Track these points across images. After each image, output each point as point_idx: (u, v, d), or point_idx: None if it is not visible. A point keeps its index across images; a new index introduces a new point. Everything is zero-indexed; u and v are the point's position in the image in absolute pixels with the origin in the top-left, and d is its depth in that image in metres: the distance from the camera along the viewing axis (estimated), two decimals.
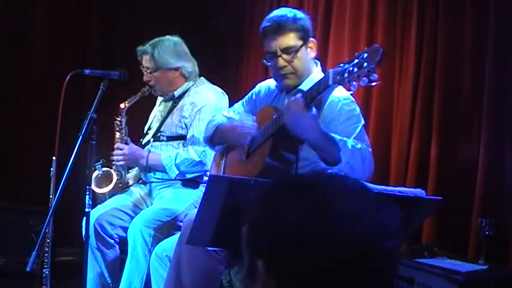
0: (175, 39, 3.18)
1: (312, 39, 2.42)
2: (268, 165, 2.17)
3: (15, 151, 4.14)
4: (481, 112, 2.78)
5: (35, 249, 2.23)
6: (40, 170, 3.16)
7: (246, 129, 2.40)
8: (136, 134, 3.29)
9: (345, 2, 3.54)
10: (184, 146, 3.10)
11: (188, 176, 3.06)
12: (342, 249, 0.88)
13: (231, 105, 2.98)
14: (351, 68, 1.83)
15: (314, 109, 2.09)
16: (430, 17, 3.03)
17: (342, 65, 1.88)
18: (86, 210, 2.45)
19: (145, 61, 3.15)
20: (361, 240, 0.88)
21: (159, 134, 3.18)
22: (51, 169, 2.74)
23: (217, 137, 2.60)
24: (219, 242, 2.01)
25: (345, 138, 2.12)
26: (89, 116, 2.42)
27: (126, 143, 3.15)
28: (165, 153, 3.08)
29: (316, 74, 2.40)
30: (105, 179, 3.19)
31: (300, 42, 2.36)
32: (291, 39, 2.35)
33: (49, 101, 3.66)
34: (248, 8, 4.43)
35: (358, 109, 2.32)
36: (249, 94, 2.69)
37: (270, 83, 2.58)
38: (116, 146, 3.16)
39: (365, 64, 1.79)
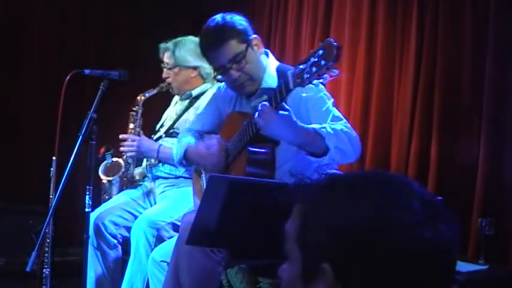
0: (197, 40, 3.22)
1: (253, 36, 2.34)
2: (249, 174, 2.16)
3: (15, 151, 4.13)
4: (481, 112, 2.78)
5: (35, 249, 2.23)
6: (40, 170, 3.16)
7: (211, 153, 2.37)
8: (145, 131, 3.32)
9: (345, 2, 3.54)
10: None
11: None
12: (412, 255, 0.86)
13: None
14: (309, 69, 1.79)
15: (284, 106, 2.03)
16: (430, 17, 3.03)
17: (299, 66, 1.84)
18: (86, 210, 2.45)
19: (166, 57, 3.21)
20: (436, 247, 0.87)
21: (171, 130, 3.21)
22: (51, 169, 2.74)
23: (187, 160, 2.58)
24: (219, 242, 2.01)
25: (323, 125, 2.07)
26: (89, 116, 2.42)
27: (138, 135, 3.19)
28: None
29: (272, 67, 2.37)
30: (114, 168, 3.23)
31: (244, 46, 2.29)
32: (233, 47, 2.27)
33: (49, 101, 3.66)
34: (249, 7, 4.43)
35: (320, 89, 2.22)
36: (212, 97, 2.70)
37: None
38: (127, 136, 3.18)
39: (322, 62, 1.74)
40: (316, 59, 1.77)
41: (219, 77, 2.36)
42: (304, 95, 2.20)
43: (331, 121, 2.14)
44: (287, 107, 2.03)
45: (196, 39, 3.19)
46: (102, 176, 3.20)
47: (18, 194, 3.96)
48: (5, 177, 4.01)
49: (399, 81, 3.17)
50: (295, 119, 2.03)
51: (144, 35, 4.44)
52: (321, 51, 1.76)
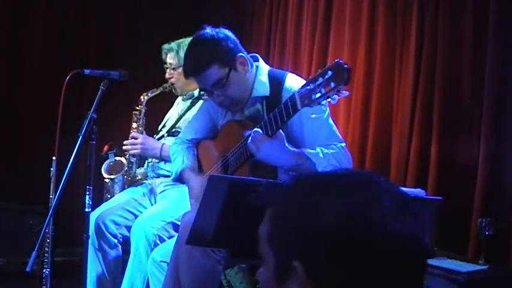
0: None
1: (238, 55, 2.27)
2: None
3: (15, 151, 4.13)
4: (481, 112, 2.78)
5: (35, 249, 2.23)
6: (40, 170, 3.16)
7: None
8: (148, 131, 3.33)
9: (345, 2, 3.54)
10: None
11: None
12: (386, 249, 0.87)
13: None
14: (318, 89, 1.77)
15: (280, 132, 2.05)
16: (430, 17, 3.03)
17: (307, 86, 1.82)
18: (86, 210, 2.45)
19: (170, 58, 3.22)
20: (405, 239, 0.88)
21: (174, 129, 3.22)
22: (51, 169, 2.74)
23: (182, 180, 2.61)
24: (219, 242, 2.01)
25: (316, 150, 2.10)
26: (89, 116, 2.42)
27: (141, 134, 3.21)
28: None
29: (263, 74, 2.34)
30: (116, 167, 3.24)
31: (226, 69, 2.24)
32: (215, 73, 2.24)
33: (49, 101, 3.65)
34: (248, 7, 4.43)
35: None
36: (203, 103, 2.72)
37: None
38: (131, 135, 3.21)
39: (332, 84, 1.72)
40: (324, 81, 1.75)
41: (205, 97, 2.38)
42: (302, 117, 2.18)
43: (325, 140, 2.16)
44: (281, 132, 2.05)
45: None
46: (104, 175, 3.21)
47: (18, 194, 3.95)
48: (5, 177, 4.01)
49: (399, 81, 3.17)
50: (286, 144, 2.06)
51: (144, 35, 4.44)
52: (329, 72, 1.74)
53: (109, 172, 3.23)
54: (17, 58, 4.20)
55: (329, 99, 1.76)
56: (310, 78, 1.84)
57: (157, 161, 3.21)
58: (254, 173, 2.18)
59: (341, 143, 2.20)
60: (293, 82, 2.27)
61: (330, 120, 2.26)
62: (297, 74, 2.40)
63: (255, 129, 2.08)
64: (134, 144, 3.18)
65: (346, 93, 1.75)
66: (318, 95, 1.78)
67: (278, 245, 0.94)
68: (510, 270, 2.58)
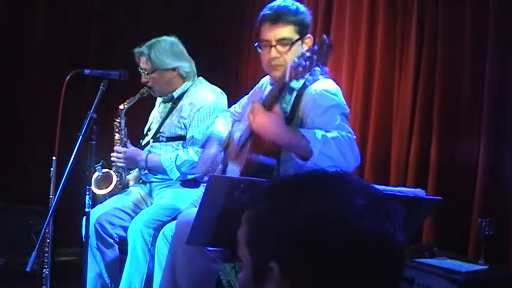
0: (172, 39, 3.18)
1: (309, 35, 2.38)
2: (253, 160, 2.18)
3: (15, 151, 4.14)
4: (481, 112, 2.78)
5: (35, 249, 2.23)
6: (40, 170, 3.16)
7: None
8: (136, 136, 3.29)
9: (345, 2, 3.54)
10: (183, 147, 3.10)
11: (189, 176, 3.06)
12: (358, 247, 0.88)
13: (230, 105, 2.99)
14: (303, 62, 1.86)
15: (277, 110, 2.09)
16: (430, 17, 3.03)
17: (296, 59, 1.91)
18: (86, 210, 2.45)
19: (143, 63, 3.14)
20: (377, 236, 0.90)
21: (158, 134, 3.18)
22: (51, 169, 2.74)
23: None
24: (218, 242, 2.01)
25: (315, 130, 2.10)
26: (89, 116, 2.42)
27: (125, 145, 3.14)
28: (164, 155, 3.08)
29: None
30: (105, 180, 3.18)
31: (297, 36, 2.32)
32: (288, 31, 2.31)
33: (49, 101, 3.66)
34: (249, 7, 4.43)
35: (337, 98, 2.27)
36: (251, 92, 2.71)
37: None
38: (114, 148, 3.15)
39: (315, 57, 1.83)
40: (309, 54, 1.85)
41: (259, 50, 2.37)
42: (318, 99, 2.22)
43: (332, 128, 2.15)
44: (278, 110, 2.09)
45: (171, 39, 3.16)
46: (95, 191, 3.13)
47: (18, 194, 3.96)
48: (5, 177, 4.01)
49: (399, 81, 3.17)
50: (283, 123, 2.09)
51: (144, 35, 4.43)
52: (316, 47, 1.84)
53: (99, 187, 3.17)
54: (17, 58, 4.20)
55: (311, 73, 1.86)
56: (302, 52, 1.93)
57: (146, 172, 3.18)
58: (256, 149, 2.19)
59: (350, 134, 2.19)
60: (315, 84, 2.28)
61: (344, 118, 2.26)
62: None
63: (257, 104, 2.12)
64: (118, 158, 3.12)
65: (325, 68, 1.89)
66: (303, 68, 1.86)
67: (254, 246, 0.95)
68: (510, 270, 2.58)
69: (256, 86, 2.68)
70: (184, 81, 3.19)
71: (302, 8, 2.38)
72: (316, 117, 2.20)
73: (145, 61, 3.12)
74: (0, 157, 4.05)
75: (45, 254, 2.71)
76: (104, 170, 3.17)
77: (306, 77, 1.88)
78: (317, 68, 2.01)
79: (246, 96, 2.74)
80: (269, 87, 2.48)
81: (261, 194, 0.97)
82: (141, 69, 3.16)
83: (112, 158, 3.15)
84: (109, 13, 4.52)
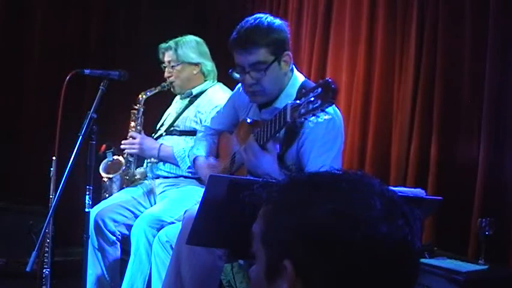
0: (198, 38, 3.31)
1: (287, 52, 2.24)
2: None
3: (15, 151, 4.14)
4: (481, 112, 2.78)
5: (35, 249, 2.23)
6: (40, 170, 3.16)
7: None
8: (148, 130, 3.34)
9: (345, 2, 3.54)
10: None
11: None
12: (374, 252, 0.87)
13: None
14: (306, 105, 1.81)
15: (272, 148, 2.07)
16: (430, 17, 3.03)
17: (298, 101, 1.86)
18: (86, 210, 2.45)
19: (168, 56, 3.23)
20: (395, 242, 0.88)
21: (172, 128, 3.23)
22: (51, 169, 2.74)
23: (195, 169, 2.65)
24: (218, 242, 2.01)
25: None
26: (89, 116, 2.42)
27: (139, 133, 3.21)
28: (177, 146, 3.11)
29: (294, 86, 2.30)
30: (114, 166, 3.23)
31: (272, 58, 2.19)
32: (261, 55, 2.18)
33: (49, 101, 3.66)
34: (249, 7, 4.43)
35: (333, 132, 2.18)
36: (230, 96, 2.70)
37: None
38: (129, 134, 3.21)
39: (318, 102, 1.77)
40: (313, 98, 1.79)
41: (235, 74, 2.32)
42: (317, 132, 2.15)
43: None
44: (275, 146, 2.08)
45: (197, 38, 3.27)
46: (102, 174, 3.21)
47: (18, 194, 3.96)
48: (5, 177, 4.01)
49: (399, 81, 3.17)
50: (276, 165, 2.07)
51: (145, 35, 4.44)
52: (319, 90, 1.78)
53: (107, 171, 3.23)
54: (17, 58, 4.20)
55: (315, 116, 1.79)
56: (303, 92, 1.87)
57: (156, 161, 3.20)
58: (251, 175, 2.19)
59: None
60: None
61: (339, 154, 2.22)
62: None
63: (250, 137, 2.10)
64: (132, 144, 3.18)
65: (332, 112, 1.86)
66: (305, 110, 1.81)
67: (269, 243, 0.94)
68: (510, 270, 2.58)
69: (232, 95, 2.66)
70: (205, 80, 3.25)
71: (277, 22, 2.23)
72: (311, 151, 2.16)
73: (171, 54, 3.22)
74: (0, 157, 4.05)
75: (45, 254, 2.71)
76: (114, 157, 3.22)
77: (311, 119, 1.81)
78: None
79: (223, 107, 2.75)
80: (251, 104, 2.43)
81: (279, 190, 0.96)
82: (164, 64, 3.25)
83: (124, 146, 3.20)
84: (109, 13, 4.52)
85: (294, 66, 2.36)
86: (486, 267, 2.46)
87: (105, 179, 3.24)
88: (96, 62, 4.08)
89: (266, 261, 0.94)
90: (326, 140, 2.17)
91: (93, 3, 4.47)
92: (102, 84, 2.58)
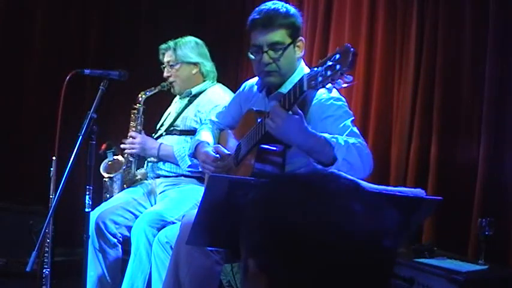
0: (198, 40, 3.32)
1: (301, 37, 2.34)
2: (258, 170, 2.15)
3: (15, 151, 4.13)
4: (481, 112, 2.78)
5: (35, 249, 2.23)
6: (40, 170, 3.16)
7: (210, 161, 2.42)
8: (148, 130, 3.34)
9: (345, 2, 3.54)
10: None
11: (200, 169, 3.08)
12: (341, 249, 0.87)
13: None
14: (323, 72, 1.76)
15: (297, 110, 2.00)
16: (430, 17, 3.03)
17: (315, 68, 1.81)
18: (86, 210, 2.45)
19: (167, 56, 3.25)
20: (361, 240, 0.88)
21: (172, 128, 3.23)
22: (51, 169, 2.74)
23: (195, 155, 2.61)
24: (218, 242, 2.01)
25: (336, 136, 2.04)
26: (89, 116, 2.42)
27: (140, 133, 3.23)
28: (177, 145, 3.11)
29: (296, 75, 2.31)
30: (115, 166, 3.24)
31: (289, 40, 2.28)
32: (280, 35, 2.26)
33: (49, 101, 3.66)
34: (249, 7, 4.43)
35: (344, 105, 2.24)
36: (235, 94, 2.70)
37: (254, 81, 2.54)
38: (129, 134, 3.22)
39: (337, 66, 1.72)
40: (331, 63, 1.74)
41: (251, 56, 2.32)
42: (329, 107, 2.18)
43: (347, 135, 2.10)
44: (299, 110, 1.99)
45: (197, 39, 3.29)
46: (103, 174, 3.22)
47: (18, 194, 3.96)
48: (5, 177, 4.01)
49: (399, 81, 3.17)
50: (306, 124, 1.99)
51: (145, 35, 4.44)
52: (337, 56, 1.73)
53: (108, 171, 3.24)
54: (17, 58, 4.20)
55: (334, 84, 1.74)
56: (320, 61, 1.83)
57: (156, 160, 3.21)
58: (260, 161, 2.16)
59: (363, 141, 2.14)
60: (321, 91, 2.16)
61: (355, 126, 2.22)
62: None
63: (274, 106, 2.02)
64: (132, 144, 3.19)
65: (350, 77, 1.73)
66: (323, 77, 1.76)
67: (242, 240, 0.96)
68: (510, 270, 2.58)
69: (237, 92, 2.67)
70: (204, 80, 3.27)
71: (292, 9, 2.33)
72: (328, 125, 2.15)
73: (171, 54, 3.24)
74: (0, 157, 4.05)
75: (45, 254, 2.71)
76: (115, 157, 3.23)
77: (328, 86, 1.77)
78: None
79: (227, 104, 2.74)
80: (256, 94, 2.45)
81: (256, 191, 0.97)
82: (163, 64, 3.27)
83: (124, 146, 3.22)
84: (109, 12, 4.52)
85: (302, 58, 2.42)
86: (486, 267, 2.46)
87: (106, 179, 3.24)
88: (96, 62, 4.09)
89: (243, 258, 0.96)
90: (338, 115, 2.17)
91: (93, 3, 4.47)
92: (102, 84, 2.58)
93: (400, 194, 1.76)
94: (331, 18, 3.64)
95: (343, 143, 2.01)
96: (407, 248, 2.68)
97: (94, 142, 2.44)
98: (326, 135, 2.04)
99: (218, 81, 3.35)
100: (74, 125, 2.49)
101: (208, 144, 2.57)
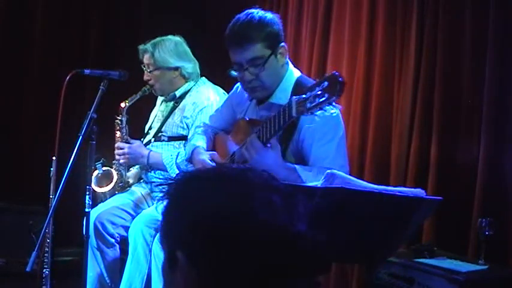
0: (177, 39, 3.20)
1: (282, 44, 2.25)
2: None
3: (15, 151, 4.13)
4: (481, 112, 2.78)
5: (35, 249, 2.23)
6: (40, 170, 3.16)
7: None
8: (136, 134, 3.30)
9: (345, 2, 3.54)
10: (185, 147, 3.10)
11: None
12: (260, 236, 0.92)
13: None
14: (312, 99, 1.78)
15: (275, 143, 2.05)
16: (430, 17, 3.02)
17: (304, 95, 1.83)
18: (86, 210, 2.45)
19: (146, 59, 3.16)
20: (277, 226, 0.93)
21: (160, 134, 3.18)
22: (51, 169, 2.74)
23: (191, 161, 2.60)
24: None
25: (310, 172, 2.07)
26: (89, 116, 2.42)
27: (127, 142, 3.15)
28: (166, 153, 3.08)
29: (289, 80, 2.30)
30: (106, 178, 3.20)
31: (268, 52, 2.20)
32: (257, 50, 2.19)
33: (49, 101, 3.66)
34: (249, 7, 4.42)
35: (333, 122, 2.18)
36: (228, 96, 2.69)
37: None
38: (116, 145, 3.16)
39: (326, 95, 1.74)
40: (320, 92, 1.76)
41: (233, 72, 2.29)
42: (318, 123, 2.12)
43: (328, 164, 2.11)
44: (277, 143, 2.06)
45: (176, 38, 3.17)
46: (95, 188, 3.14)
47: (18, 194, 3.95)
48: (5, 177, 4.01)
49: (399, 81, 3.17)
50: (280, 157, 2.06)
51: (145, 35, 4.43)
52: (326, 83, 1.76)
53: (99, 184, 3.18)
54: (17, 58, 4.20)
55: (322, 110, 1.77)
56: (309, 86, 1.85)
57: (146, 169, 3.17)
58: None
59: (343, 167, 2.13)
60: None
61: (342, 143, 2.22)
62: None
63: (252, 135, 2.08)
64: (122, 155, 3.13)
65: (338, 106, 1.78)
66: (312, 104, 1.79)
67: (164, 234, 1.00)
68: (510, 270, 2.58)
69: (230, 93, 2.66)
70: (186, 82, 3.19)
71: (268, 16, 2.24)
72: (313, 143, 2.16)
73: (149, 58, 3.14)
74: (0, 157, 4.05)
75: (45, 254, 2.71)
76: (104, 168, 3.18)
77: (316, 112, 1.79)
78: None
79: (221, 105, 2.73)
80: (249, 102, 2.43)
81: (174, 186, 1.02)
82: (144, 65, 3.18)
83: (117, 157, 3.16)
84: (109, 13, 4.52)
85: (289, 61, 2.36)
86: (486, 267, 2.46)
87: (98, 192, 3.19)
88: (96, 62, 4.08)
89: (165, 252, 1.00)
90: (326, 130, 2.17)
91: (93, 3, 4.47)
92: (102, 84, 2.58)
93: (400, 194, 1.76)
94: (331, 18, 3.64)
95: (313, 177, 2.02)
96: (407, 248, 2.68)
97: (94, 142, 2.44)
98: (300, 167, 2.09)
99: (218, 83, 3.30)
100: (74, 125, 2.49)
101: (205, 149, 2.55)
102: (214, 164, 2.43)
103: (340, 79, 1.73)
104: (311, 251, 0.95)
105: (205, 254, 0.93)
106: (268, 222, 0.92)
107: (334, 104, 1.75)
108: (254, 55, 2.20)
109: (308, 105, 1.80)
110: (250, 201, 0.94)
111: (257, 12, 2.24)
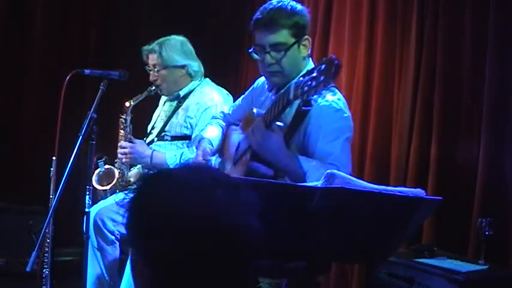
0: (182, 38, 3.23)
1: (307, 36, 2.27)
2: (252, 168, 2.16)
3: (15, 151, 4.14)
4: (481, 112, 2.78)
5: (35, 249, 2.23)
6: (40, 170, 3.16)
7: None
8: (138, 134, 3.30)
9: (345, 2, 3.54)
10: (188, 146, 3.10)
11: None
12: (201, 232, 0.94)
13: None
14: (309, 82, 1.79)
15: (278, 128, 2.05)
16: (430, 17, 3.03)
17: (301, 78, 1.84)
18: (86, 210, 2.45)
19: (152, 59, 3.17)
20: (217, 221, 0.95)
21: (163, 133, 3.20)
22: (51, 169, 2.74)
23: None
24: None
25: (313, 163, 2.06)
26: (89, 116, 2.42)
27: (130, 141, 3.16)
28: (169, 152, 3.09)
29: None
30: (107, 176, 3.21)
31: (292, 40, 2.22)
32: (282, 36, 2.21)
33: (49, 101, 3.66)
34: (249, 7, 4.43)
35: (342, 120, 2.21)
36: (249, 89, 2.69)
37: None
38: (119, 144, 3.17)
39: (322, 78, 1.74)
40: (316, 74, 1.77)
41: (254, 55, 2.29)
42: (326, 117, 2.15)
43: (332, 160, 2.10)
44: (280, 129, 2.05)
45: (181, 38, 3.18)
46: (97, 186, 3.15)
47: (18, 194, 3.96)
48: (5, 177, 4.01)
49: (399, 81, 3.17)
50: (283, 145, 2.06)
51: (145, 35, 4.43)
52: (323, 66, 1.76)
53: (100, 182, 3.18)
54: (17, 58, 4.20)
55: (319, 94, 1.79)
56: (308, 70, 1.86)
57: (149, 168, 3.17)
58: (256, 158, 2.16)
59: (346, 167, 2.11)
60: (326, 102, 2.18)
61: (348, 144, 2.22)
62: None
63: (258, 119, 2.08)
64: (124, 154, 3.13)
65: (336, 91, 1.84)
66: (308, 87, 1.79)
67: (127, 234, 1.04)
68: (510, 270, 2.58)
69: (252, 87, 2.66)
70: (191, 81, 3.21)
71: (299, 7, 2.27)
72: (319, 138, 2.16)
73: (156, 58, 3.14)
74: (0, 157, 4.05)
75: (45, 254, 2.71)
76: (106, 166, 3.19)
77: (313, 97, 1.81)
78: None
79: (241, 97, 2.72)
80: (267, 93, 2.44)
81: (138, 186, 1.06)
82: (149, 67, 3.18)
83: (120, 156, 3.16)
84: (109, 13, 4.52)
85: (311, 59, 2.38)
86: (486, 267, 2.46)
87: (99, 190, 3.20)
88: (96, 62, 4.08)
89: (132, 252, 1.04)
90: (333, 128, 2.16)
91: (93, 3, 4.47)
92: (102, 84, 2.58)
93: (400, 194, 1.76)
94: (331, 18, 3.64)
95: (316, 168, 2.02)
96: (407, 248, 2.69)
97: (94, 142, 2.44)
98: (303, 157, 2.08)
99: (219, 84, 3.30)
100: (74, 125, 2.49)
101: (210, 141, 2.54)
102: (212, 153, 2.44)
103: (336, 62, 1.73)
104: (256, 244, 0.98)
105: (152, 254, 0.96)
106: (212, 218, 0.95)
107: (330, 87, 1.76)
108: (278, 40, 2.22)
109: (305, 88, 1.81)
110: (191, 199, 0.96)
111: (288, 2, 2.27)
